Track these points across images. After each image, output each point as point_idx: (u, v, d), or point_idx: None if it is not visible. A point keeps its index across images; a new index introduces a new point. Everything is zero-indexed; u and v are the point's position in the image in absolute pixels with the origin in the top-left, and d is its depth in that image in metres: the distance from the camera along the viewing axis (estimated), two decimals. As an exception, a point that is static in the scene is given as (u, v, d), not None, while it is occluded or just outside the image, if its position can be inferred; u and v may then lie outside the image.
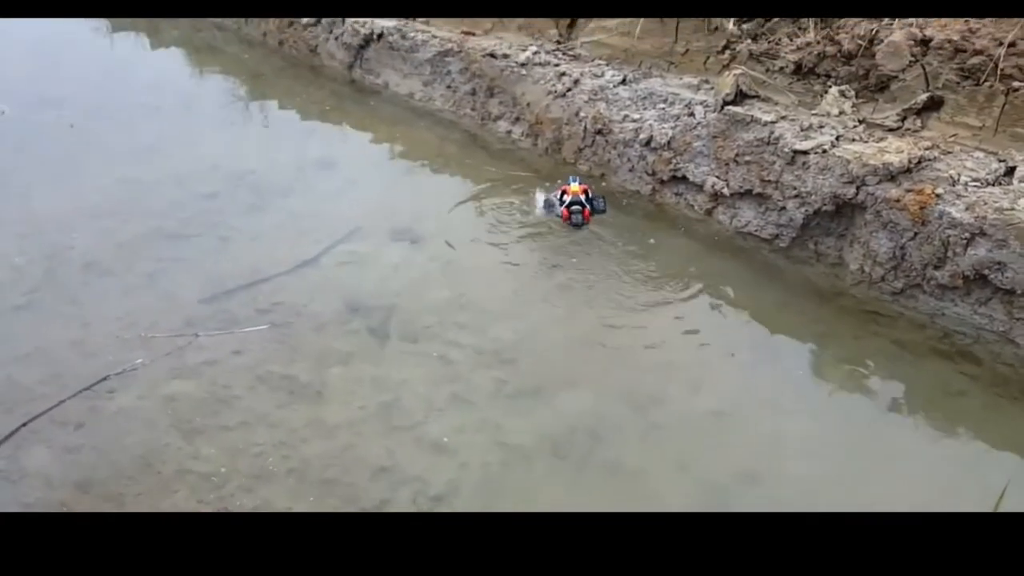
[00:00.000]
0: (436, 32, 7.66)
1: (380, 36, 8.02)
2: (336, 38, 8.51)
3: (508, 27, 7.42)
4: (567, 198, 5.66)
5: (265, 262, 5.30)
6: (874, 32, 5.20)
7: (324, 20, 8.62)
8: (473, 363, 4.51)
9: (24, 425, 4.02)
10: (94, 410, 4.17)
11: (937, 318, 4.72)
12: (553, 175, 6.36)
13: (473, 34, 7.50)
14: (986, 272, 4.40)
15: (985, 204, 4.36)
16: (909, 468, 3.90)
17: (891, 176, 4.71)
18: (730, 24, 5.98)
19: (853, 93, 5.28)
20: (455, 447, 3.98)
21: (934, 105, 4.97)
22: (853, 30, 5.32)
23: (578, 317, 4.93)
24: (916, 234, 4.65)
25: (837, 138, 5.05)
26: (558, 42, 7.09)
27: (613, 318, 4.89)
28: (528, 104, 6.81)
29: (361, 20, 8.19)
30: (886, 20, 5.23)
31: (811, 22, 5.59)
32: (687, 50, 6.28)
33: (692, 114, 5.77)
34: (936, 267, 4.62)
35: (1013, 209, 4.27)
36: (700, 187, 5.73)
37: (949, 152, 4.76)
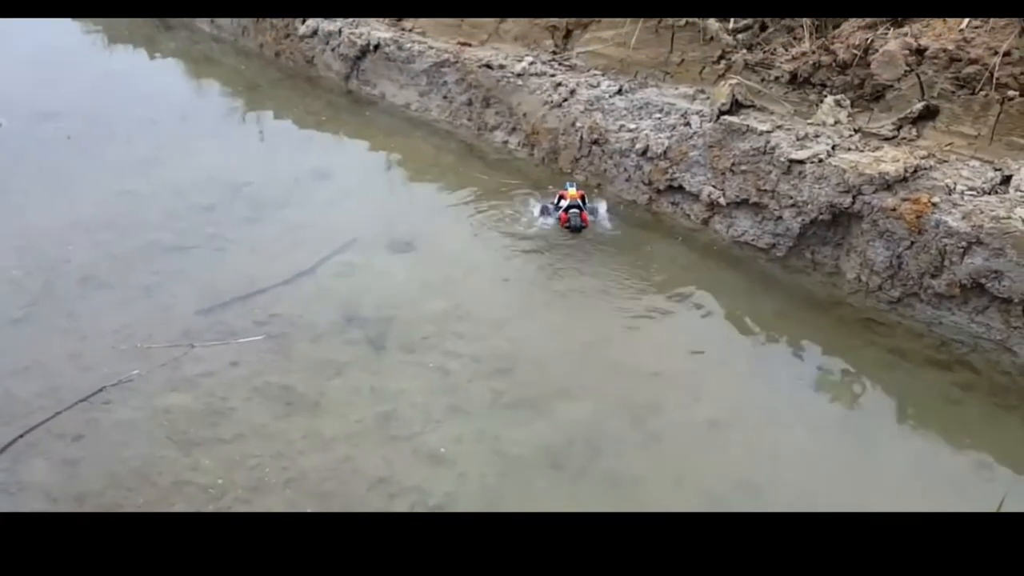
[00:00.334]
0: (432, 43, 7.69)
1: (376, 47, 8.04)
2: (332, 49, 8.53)
3: (504, 37, 7.44)
4: (564, 202, 5.71)
5: (262, 273, 5.29)
6: (869, 42, 5.22)
7: (321, 31, 8.63)
8: (471, 373, 4.51)
9: (21, 436, 4.00)
10: (92, 422, 4.15)
11: (934, 327, 4.72)
12: (550, 184, 6.37)
13: (469, 44, 7.52)
14: (983, 281, 4.41)
15: (981, 213, 4.37)
16: (907, 478, 3.90)
17: (887, 185, 4.72)
18: (725, 34, 6.00)
19: (848, 103, 5.30)
20: (453, 458, 3.97)
21: (929, 114, 4.99)
22: (848, 40, 5.35)
23: (575, 327, 4.92)
24: (913, 243, 4.66)
25: (833, 147, 5.07)
26: (554, 52, 7.11)
27: (610, 328, 4.89)
28: (524, 114, 6.83)
29: (358, 31, 8.21)
30: (881, 30, 5.26)
31: (806, 32, 5.62)
32: (683, 60, 6.30)
33: (688, 124, 5.79)
34: (933, 276, 4.63)
35: (1009, 218, 4.28)
36: (696, 197, 5.74)
37: (945, 161, 4.78)
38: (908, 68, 5.03)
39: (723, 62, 6.03)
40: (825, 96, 5.39)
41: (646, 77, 6.51)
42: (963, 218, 4.43)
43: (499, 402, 4.32)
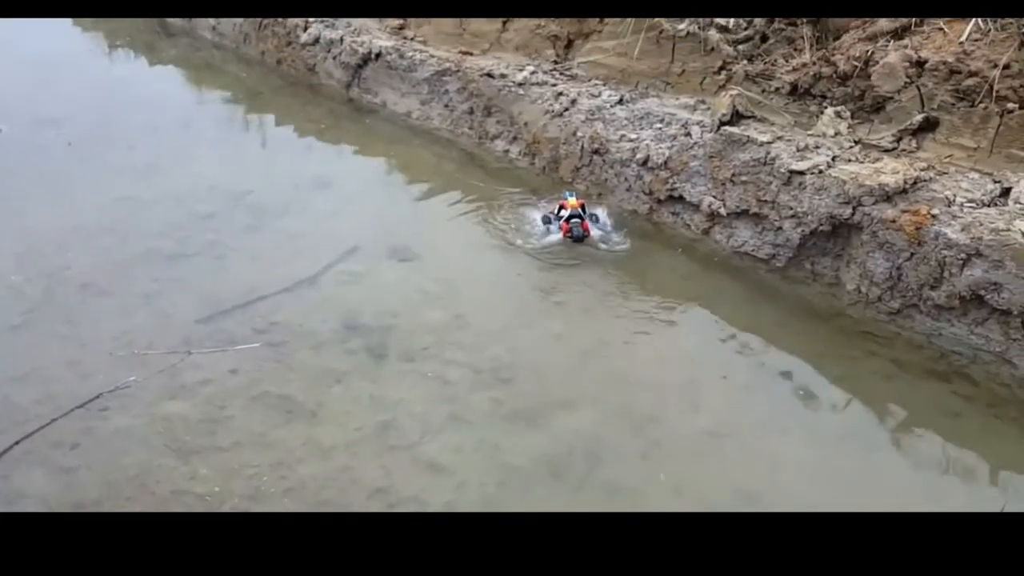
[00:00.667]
0: (434, 51, 7.70)
1: (378, 55, 8.05)
2: (334, 57, 8.55)
3: (505, 47, 7.46)
4: (565, 212, 5.71)
5: (262, 281, 5.28)
6: (869, 53, 5.23)
7: (322, 39, 8.65)
8: (471, 383, 4.50)
9: (17, 443, 3.99)
10: (90, 431, 4.14)
11: (934, 338, 4.72)
12: (549, 192, 6.39)
13: (471, 53, 7.54)
14: (982, 292, 4.41)
15: (981, 225, 4.37)
16: (906, 489, 3.89)
17: (887, 197, 4.73)
18: (726, 45, 6.01)
19: (849, 114, 5.31)
20: (452, 467, 3.96)
21: (929, 126, 5.00)
22: (848, 51, 5.36)
23: (575, 336, 4.92)
24: (912, 254, 4.67)
25: (833, 158, 5.07)
26: (555, 62, 7.12)
27: (610, 338, 4.89)
28: (525, 123, 6.84)
29: (359, 39, 8.22)
30: (881, 41, 5.27)
31: (807, 43, 5.63)
32: (683, 71, 6.32)
33: (689, 134, 5.79)
34: (932, 287, 4.63)
35: (1009, 230, 4.28)
36: (697, 207, 5.74)
37: (945, 173, 4.78)
38: (908, 80, 5.04)
39: (724, 73, 6.04)
40: (825, 107, 5.40)
41: (647, 87, 6.52)
42: (962, 230, 4.43)
43: (499, 411, 4.31)
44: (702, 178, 5.68)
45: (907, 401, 4.39)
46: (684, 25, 6.19)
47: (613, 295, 5.26)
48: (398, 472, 3.93)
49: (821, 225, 5.05)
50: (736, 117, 5.56)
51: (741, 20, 6.08)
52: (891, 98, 5.14)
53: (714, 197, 5.60)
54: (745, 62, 5.90)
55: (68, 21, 11.33)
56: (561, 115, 6.57)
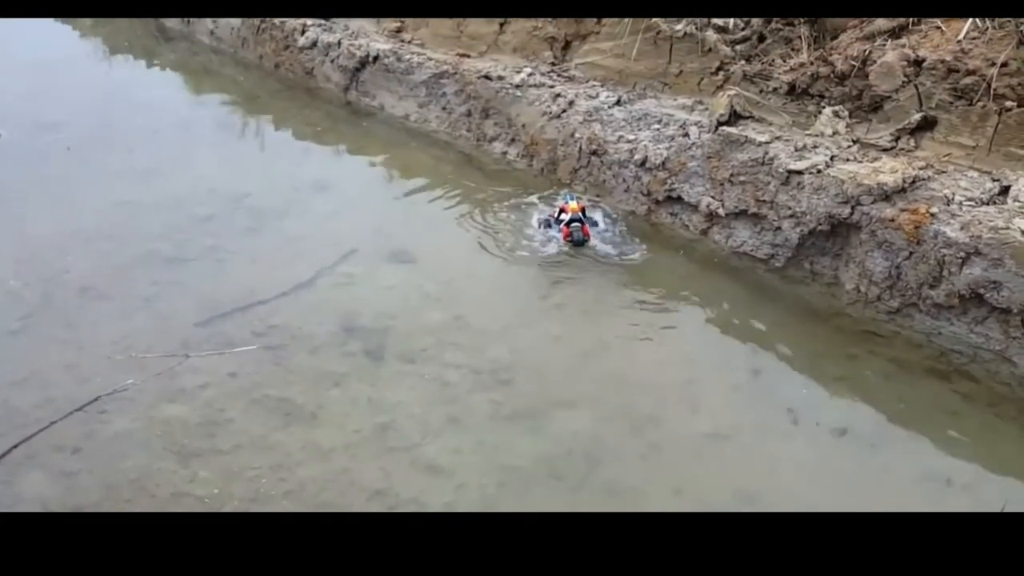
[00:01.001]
0: (431, 54, 7.71)
1: (376, 58, 8.06)
2: (332, 60, 8.56)
3: (503, 49, 7.47)
4: (565, 216, 5.67)
5: (261, 285, 5.28)
6: (867, 53, 5.23)
7: (320, 42, 8.66)
8: (470, 384, 4.50)
9: (15, 447, 3.98)
10: (90, 434, 4.14)
11: (933, 337, 4.72)
12: (547, 189, 6.41)
13: (468, 56, 7.54)
14: (982, 291, 4.41)
15: (980, 223, 4.37)
16: (907, 489, 3.89)
17: (886, 196, 4.73)
18: (724, 45, 6.02)
19: (847, 113, 5.31)
20: (452, 469, 3.96)
21: (927, 125, 5.00)
22: (846, 51, 5.37)
23: (574, 337, 4.92)
24: (911, 253, 4.67)
25: (831, 158, 5.07)
26: (553, 64, 7.13)
27: (609, 338, 4.89)
28: (523, 125, 6.84)
29: (357, 43, 8.23)
30: (879, 41, 5.27)
31: (804, 43, 5.63)
32: (681, 71, 6.32)
33: (687, 135, 5.80)
34: (932, 286, 4.63)
35: (1008, 228, 4.28)
36: (695, 207, 5.74)
37: (943, 172, 4.79)
38: (906, 79, 5.04)
39: (721, 73, 6.04)
40: (823, 107, 5.40)
41: (644, 88, 6.52)
42: (961, 228, 4.43)
43: (498, 413, 4.31)
44: (700, 178, 5.68)
45: (907, 400, 4.39)
46: (681, 26, 6.19)
47: (612, 296, 5.26)
48: (397, 474, 3.93)
49: (820, 225, 5.05)
50: (734, 117, 5.57)
51: (739, 20, 6.08)
52: (889, 97, 5.14)
53: (712, 197, 5.60)
54: (743, 62, 5.91)
55: (66, 25, 11.35)
56: (559, 116, 6.57)
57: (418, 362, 4.67)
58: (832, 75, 5.38)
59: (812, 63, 5.50)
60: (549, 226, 5.85)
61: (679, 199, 5.85)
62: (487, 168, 7.01)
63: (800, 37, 5.72)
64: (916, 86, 5.00)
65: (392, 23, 8.34)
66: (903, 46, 5.13)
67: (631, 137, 6.07)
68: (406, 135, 7.71)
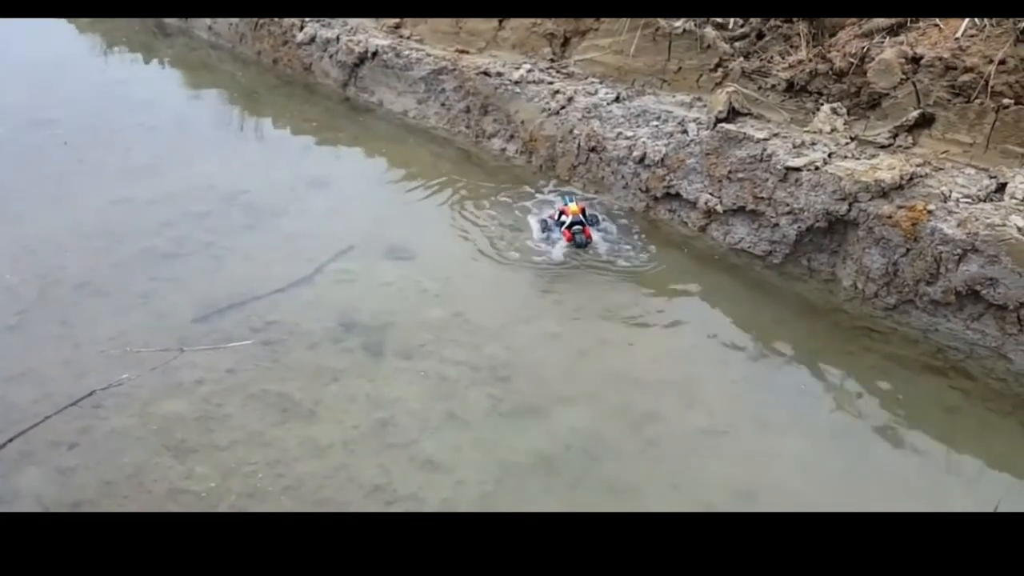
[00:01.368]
0: (430, 50, 7.70)
1: (374, 54, 8.05)
2: (330, 56, 8.55)
3: (502, 45, 7.46)
4: (566, 219, 5.60)
5: (259, 281, 5.28)
6: (865, 50, 5.24)
7: (318, 38, 8.65)
8: (468, 380, 4.50)
9: (10, 440, 3.97)
10: (87, 430, 4.14)
11: (930, 334, 4.73)
12: (544, 184, 6.43)
13: (467, 52, 7.53)
14: (978, 288, 4.42)
15: (977, 220, 4.38)
16: (903, 485, 3.90)
17: (883, 193, 4.73)
18: (722, 42, 6.02)
19: (845, 110, 5.32)
20: (450, 465, 3.96)
21: (925, 122, 5.01)
22: (844, 48, 5.37)
23: (573, 334, 4.92)
24: (908, 250, 4.67)
25: (829, 155, 5.08)
26: (552, 60, 7.12)
27: (607, 335, 4.90)
28: (522, 122, 6.84)
29: (355, 38, 8.22)
30: (877, 38, 5.27)
31: (803, 40, 5.63)
32: (680, 68, 6.32)
33: (685, 131, 5.80)
34: (929, 283, 4.63)
35: (1004, 225, 4.29)
36: (694, 204, 5.75)
37: (940, 169, 4.79)
38: (904, 76, 5.04)
39: (720, 70, 6.04)
40: (821, 104, 5.41)
41: (643, 85, 6.52)
42: (958, 225, 4.44)
43: (497, 409, 4.31)
44: (699, 175, 5.68)
45: (904, 396, 4.40)
46: (680, 23, 6.19)
47: (610, 293, 5.26)
48: (396, 470, 3.93)
49: (817, 221, 5.05)
50: (732, 114, 5.57)
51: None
52: (887, 94, 5.15)
53: (711, 194, 5.61)
54: (741, 59, 5.91)
55: (64, 23, 11.32)
56: (558, 113, 6.57)
57: (416, 358, 4.67)
58: (830, 72, 5.38)
59: (810, 60, 5.50)
60: (550, 229, 5.78)
61: (677, 196, 5.86)
62: (486, 165, 7.00)
63: (799, 34, 5.72)
64: (914, 83, 5.00)
65: (391, 19, 8.32)
66: (901, 43, 5.14)
67: (630, 134, 6.07)
68: (405, 131, 7.71)
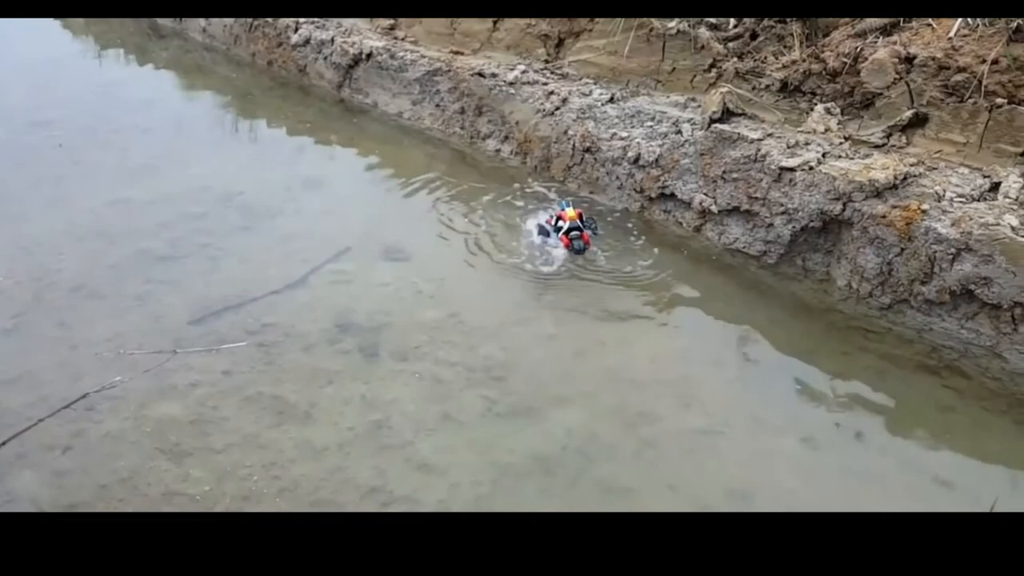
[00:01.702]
0: (425, 51, 7.70)
1: (369, 56, 8.05)
2: (325, 58, 8.54)
3: (496, 46, 7.46)
4: (563, 224, 5.55)
5: (255, 283, 5.28)
6: (859, 50, 5.25)
7: (313, 40, 8.64)
8: (464, 382, 4.51)
9: (3, 444, 3.96)
10: (81, 433, 4.14)
11: (925, 333, 4.74)
12: (542, 194, 6.41)
13: (462, 53, 7.54)
14: (972, 287, 4.43)
15: (971, 219, 4.39)
16: (899, 484, 3.91)
17: (877, 192, 4.74)
18: (716, 43, 6.03)
19: (839, 110, 5.33)
20: (446, 467, 3.96)
21: (919, 122, 5.02)
22: (838, 48, 5.38)
23: (568, 335, 4.93)
24: (903, 250, 4.68)
25: (823, 155, 5.09)
26: (546, 61, 7.13)
27: (603, 336, 4.90)
28: (517, 122, 6.84)
29: (350, 40, 8.22)
30: (870, 38, 5.28)
31: (796, 40, 5.64)
32: (674, 68, 6.33)
33: (679, 132, 5.81)
34: (923, 282, 4.64)
35: (998, 224, 4.30)
36: (688, 204, 5.75)
37: (934, 168, 4.80)
38: (897, 76, 5.06)
39: (714, 70, 6.05)
40: (815, 104, 5.42)
41: (637, 86, 6.53)
42: (952, 225, 4.45)
43: (492, 410, 4.32)
44: (693, 175, 5.69)
45: (899, 396, 4.41)
46: (674, 23, 6.20)
47: (605, 293, 5.27)
48: (391, 472, 3.93)
49: (812, 221, 5.06)
50: (726, 114, 5.58)
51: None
52: (880, 94, 5.16)
53: (705, 194, 5.62)
54: (735, 60, 5.92)
55: (58, 25, 11.30)
56: (552, 114, 6.57)
57: (412, 360, 4.67)
58: (824, 72, 5.39)
59: (804, 60, 5.51)
60: (547, 235, 5.73)
61: (672, 196, 5.86)
62: (481, 166, 7.01)
63: (792, 34, 5.73)
64: (907, 83, 5.01)
65: (385, 20, 8.32)
66: (894, 43, 5.15)
67: (624, 134, 6.08)
68: (399, 132, 7.71)
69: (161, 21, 11.13)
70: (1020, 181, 4.51)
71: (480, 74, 7.08)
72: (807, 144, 5.20)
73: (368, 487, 3.85)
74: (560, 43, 7.14)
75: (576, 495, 3.82)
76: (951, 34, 4.95)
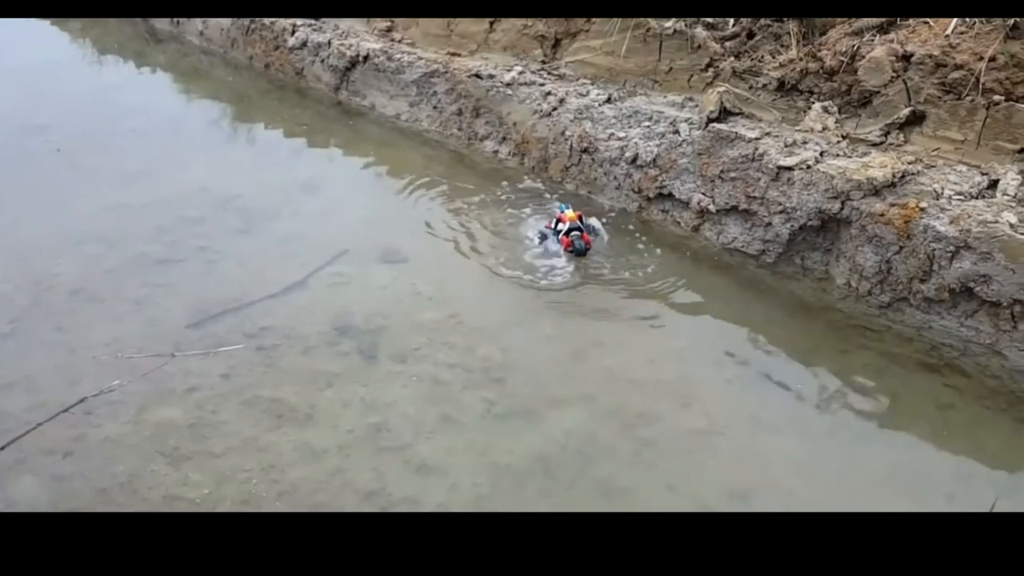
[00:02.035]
0: (422, 53, 7.70)
1: (366, 58, 8.04)
2: (322, 60, 8.53)
3: (493, 47, 7.46)
4: (563, 226, 5.56)
5: (253, 286, 5.27)
6: (856, 48, 5.24)
7: (310, 42, 8.63)
8: (462, 383, 4.50)
9: (2, 449, 3.95)
10: (81, 438, 4.14)
11: (924, 331, 4.73)
12: (540, 195, 6.41)
13: (459, 55, 7.53)
14: (972, 285, 4.43)
15: (969, 217, 4.39)
16: (898, 483, 3.90)
17: (875, 191, 4.74)
18: (713, 42, 6.02)
19: (836, 109, 5.32)
20: (445, 468, 3.96)
21: (916, 120, 5.01)
22: (835, 46, 5.37)
23: (566, 336, 4.92)
24: (901, 248, 4.68)
25: (821, 154, 5.08)
26: (543, 62, 7.12)
27: (601, 336, 4.90)
28: (514, 124, 6.84)
29: (347, 42, 8.22)
30: (867, 36, 5.28)
31: (793, 39, 5.64)
32: (671, 68, 6.32)
33: (677, 132, 5.80)
34: (922, 280, 4.64)
35: (997, 222, 4.30)
36: (686, 204, 5.75)
37: (932, 166, 4.80)
38: (895, 74, 5.05)
39: (711, 70, 6.05)
40: (813, 103, 5.41)
41: (635, 86, 6.52)
42: (951, 222, 4.44)
43: (491, 412, 4.31)
44: (691, 175, 5.68)
45: (899, 394, 4.41)
46: (671, 23, 6.19)
47: (604, 293, 5.26)
48: (391, 474, 3.93)
49: (810, 220, 5.06)
50: (724, 114, 5.57)
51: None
52: (878, 92, 5.15)
53: (703, 194, 5.61)
54: (732, 59, 5.91)
55: (55, 29, 11.30)
56: (550, 115, 6.57)
57: (411, 362, 4.67)
58: (821, 71, 5.39)
59: (801, 59, 5.50)
60: (546, 238, 5.73)
61: (670, 196, 5.86)
62: (478, 167, 7.00)
63: (789, 33, 5.72)
64: (904, 81, 5.01)
65: (382, 22, 8.32)
66: (891, 41, 5.14)
67: (622, 135, 6.07)
68: (397, 134, 7.70)
69: (158, 25, 11.13)
70: (1018, 178, 4.51)
71: (477, 75, 7.08)
72: (805, 143, 5.20)
73: (368, 489, 3.85)
74: (557, 44, 7.14)
75: (575, 495, 3.82)
76: (948, 32, 4.94)
